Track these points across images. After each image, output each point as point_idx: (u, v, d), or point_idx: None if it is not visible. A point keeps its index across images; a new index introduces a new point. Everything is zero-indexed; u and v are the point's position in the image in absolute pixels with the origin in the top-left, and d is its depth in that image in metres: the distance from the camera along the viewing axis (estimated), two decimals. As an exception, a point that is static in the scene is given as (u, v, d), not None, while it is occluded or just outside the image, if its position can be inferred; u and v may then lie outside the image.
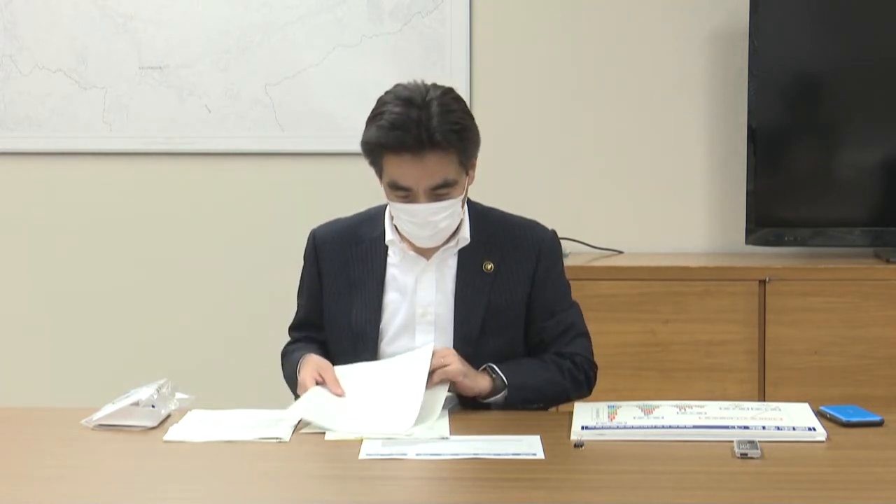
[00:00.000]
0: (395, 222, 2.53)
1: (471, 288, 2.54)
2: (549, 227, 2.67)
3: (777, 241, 3.75)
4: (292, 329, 2.71)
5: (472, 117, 2.47)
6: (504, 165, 3.95)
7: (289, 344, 2.69)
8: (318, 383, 2.40)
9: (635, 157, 3.98)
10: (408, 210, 2.44)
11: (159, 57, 4.04)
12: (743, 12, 3.74)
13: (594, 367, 2.62)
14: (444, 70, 3.94)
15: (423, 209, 2.43)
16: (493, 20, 3.98)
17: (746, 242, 3.77)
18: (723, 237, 3.96)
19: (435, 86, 2.45)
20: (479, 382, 2.46)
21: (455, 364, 2.42)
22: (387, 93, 2.46)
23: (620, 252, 3.93)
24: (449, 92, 2.45)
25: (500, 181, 3.78)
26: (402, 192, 2.43)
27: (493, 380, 2.48)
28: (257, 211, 4.07)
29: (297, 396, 2.49)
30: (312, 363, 2.46)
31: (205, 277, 4.09)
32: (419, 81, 2.46)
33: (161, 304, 4.11)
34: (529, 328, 2.59)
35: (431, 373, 2.40)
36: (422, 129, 2.36)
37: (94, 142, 4.08)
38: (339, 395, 2.38)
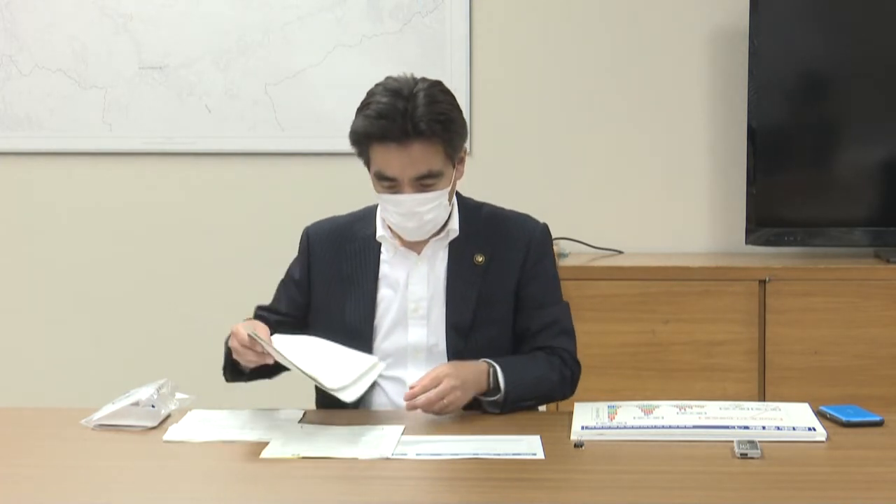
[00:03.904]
0: (383, 215, 2.54)
1: (462, 280, 2.54)
2: (550, 227, 2.67)
3: (777, 241, 3.75)
4: (262, 308, 2.68)
5: (459, 110, 2.48)
6: (504, 165, 3.95)
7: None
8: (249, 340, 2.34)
9: (635, 157, 3.98)
10: (394, 201, 2.45)
11: (159, 57, 4.04)
12: (743, 12, 3.74)
13: (579, 366, 2.60)
14: (445, 70, 3.94)
15: (409, 200, 2.43)
16: (493, 20, 3.98)
17: (746, 242, 3.77)
18: (723, 237, 3.96)
19: (424, 79, 2.47)
20: (479, 379, 2.43)
21: (456, 395, 2.38)
22: (376, 85, 2.48)
23: (620, 252, 3.93)
24: (437, 84, 2.47)
25: (499, 181, 3.79)
26: (387, 182, 2.44)
27: (489, 375, 2.44)
28: (257, 211, 4.07)
29: (228, 364, 2.49)
30: (242, 325, 2.40)
31: (205, 277, 4.09)
32: (409, 74, 2.48)
33: (161, 304, 4.11)
34: (516, 318, 2.57)
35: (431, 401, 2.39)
36: (406, 119, 2.38)
37: (94, 142, 4.08)
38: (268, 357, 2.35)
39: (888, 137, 3.76)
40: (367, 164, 2.49)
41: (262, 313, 2.65)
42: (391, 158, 2.41)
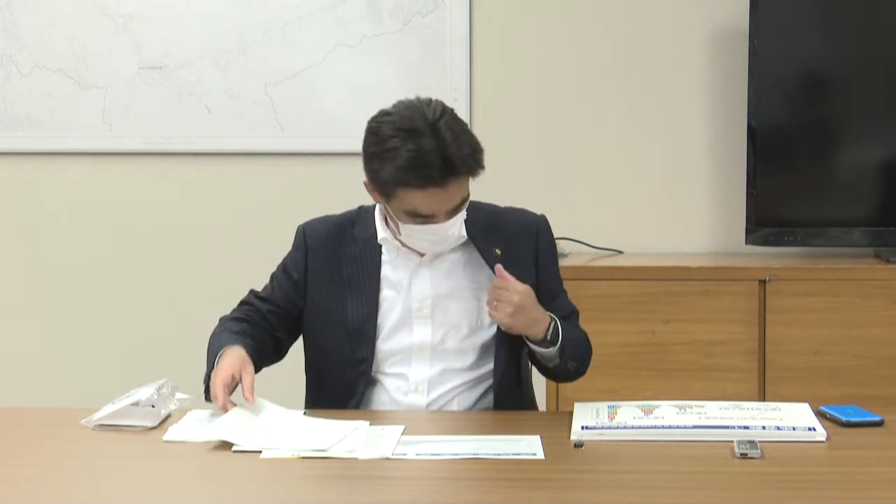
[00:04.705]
0: (406, 240, 2.51)
1: (485, 275, 2.55)
2: (550, 227, 2.68)
3: (777, 241, 3.75)
4: (254, 294, 2.68)
5: (469, 129, 2.48)
6: (504, 165, 3.93)
7: (233, 317, 2.64)
8: (228, 397, 2.35)
9: (635, 157, 3.98)
10: (427, 230, 2.45)
11: (159, 57, 4.04)
12: (743, 12, 3.74)
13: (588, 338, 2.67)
14: (445, 70, 3.94)
15: (442, 227, 2.44)
16: (493, 20, 3.98)
17: (746, 242, 3.77)
18: (723, 237, 3.96)
19: (425, 103, 2.42)
20: (537, 320, 2.49)
21: (506, 311, 2.44)
22: (381, 123, 2.41)
23: (620, 252, 3.93)
24: (445, 110, 2.42)
25: (499, 181, 3.76)
26: (421, 218, 2.43)
27: (548, 328, 2.50)
28: (257, 211, 4.07)
29: (208, 377, 2.45)
30: (231, 359, 2.41)
31: (205, 277, 4.09)
32: (410, 102, 2.43)
33: (161, 304, 4.11)
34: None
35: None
36: (442, 162, 2.35)
37: (94, 142, 4.08)
38: (249, 402, 2.33)
39: (888, 137, 3.76)
40: (387, 200, 2.45)
41: (256, 302, 2.65)
42: (430, 200, 2.39)
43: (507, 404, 2.57)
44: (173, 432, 2.32)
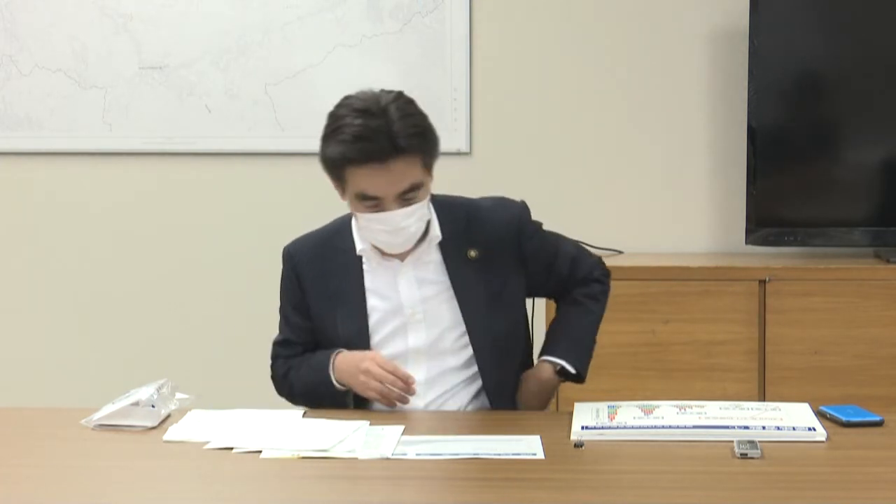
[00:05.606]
0: (363, 233, 2.52)
1: (463, 278, 2.54)
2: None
3: (777, 241, 3.76)
4: (280, 345, 2.67)
5: (428, 118, 2.47)
6: (504, 165, 3.95)
7: (286, 360, 2.64)
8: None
9: (635, 157, 3.98)
10: (378, 219, 2.44)
11: (159, 57, 4.04)
12: (743, 12, 3.74)
13: (600, 266, 2.72)
14: (445, 70, 3.94)
15: (394, 216, 2.42)
16: (493, 20, 3.98)
17: (746, 242, 3.78)
18: (723, 237, 3.96)
19: (386, 91, 2.44)
20: (547, 382, 2.61)
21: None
22: (339, 107, 2.45)
23: (620, 252, 3.93)
24: (401, 96, 2.44)
25: (499, 181, 3.78)
26: (370, 202, 2.42)
27: (553, 367, 2.59)
28: (257, 211, 4.07)
29: (338, 395, 2.53)
30: (362, 355, 2.50)
31: (205, 277, 4.09)
32: (370, 90, 2.45)
33: (161, 304, 4.11)
34: (539, 287, 2.67)
35: None
36: (385, 138, 2.36)
37: (94, 142, 4.08)
38: (412, 386, 2.46)
39: (888, 137, 3.76)
40: (342, 187, 2.46)
41: (284, 352, 2.64)
42: (374, 179, 2.39)
43: (505, 406, 2.57)
44: (173, 432, 2.32)
